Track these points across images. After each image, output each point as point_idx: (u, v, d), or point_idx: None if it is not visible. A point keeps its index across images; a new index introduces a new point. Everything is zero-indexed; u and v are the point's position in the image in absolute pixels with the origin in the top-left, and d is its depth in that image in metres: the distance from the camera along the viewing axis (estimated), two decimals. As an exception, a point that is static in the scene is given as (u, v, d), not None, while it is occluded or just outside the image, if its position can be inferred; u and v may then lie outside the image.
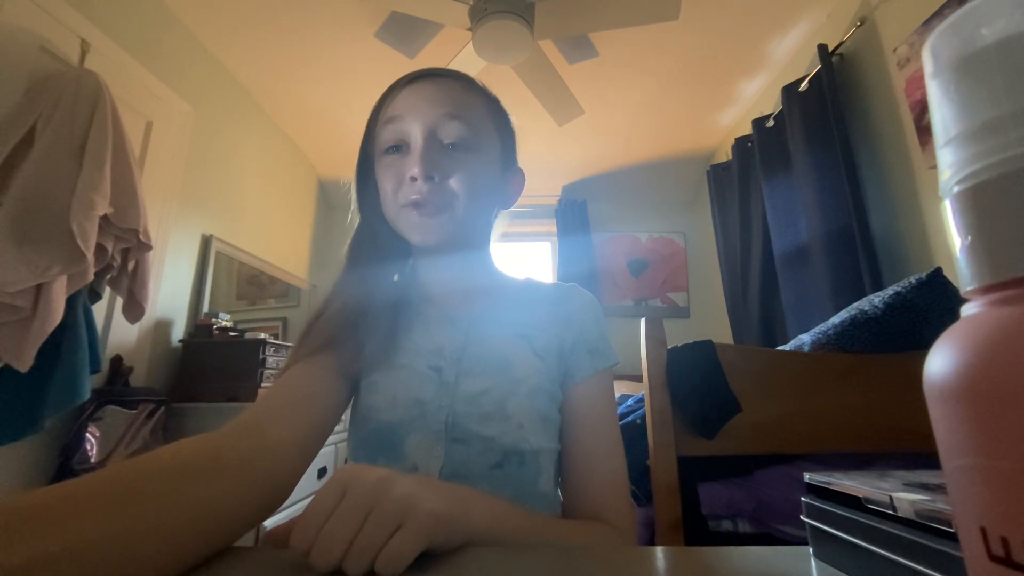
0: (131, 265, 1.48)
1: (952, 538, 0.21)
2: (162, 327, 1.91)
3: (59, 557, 0.24)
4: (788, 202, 1.97)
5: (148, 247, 1.48)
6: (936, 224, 1.46)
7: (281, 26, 2.07)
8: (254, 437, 0.41)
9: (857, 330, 0.88)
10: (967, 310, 0.14)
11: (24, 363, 1.17)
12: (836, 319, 0.92)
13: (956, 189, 0.14)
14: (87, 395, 1.32)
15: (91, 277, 1.31)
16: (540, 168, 3.21)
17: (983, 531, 0.12)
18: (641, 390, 0.95)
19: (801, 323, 1.81)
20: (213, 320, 2.00)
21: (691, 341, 0.89)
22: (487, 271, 0.64)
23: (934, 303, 0.81)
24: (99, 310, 1.56)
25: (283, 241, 2.89)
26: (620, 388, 1.73)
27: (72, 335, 1.30)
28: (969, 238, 0.14)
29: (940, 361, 0.13)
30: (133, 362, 1.70)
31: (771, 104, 2.19)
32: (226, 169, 2.33)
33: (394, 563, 0.28)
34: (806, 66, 1.99)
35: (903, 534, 0.24)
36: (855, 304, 0.91)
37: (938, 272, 0.80)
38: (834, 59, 1.79)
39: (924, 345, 0.73)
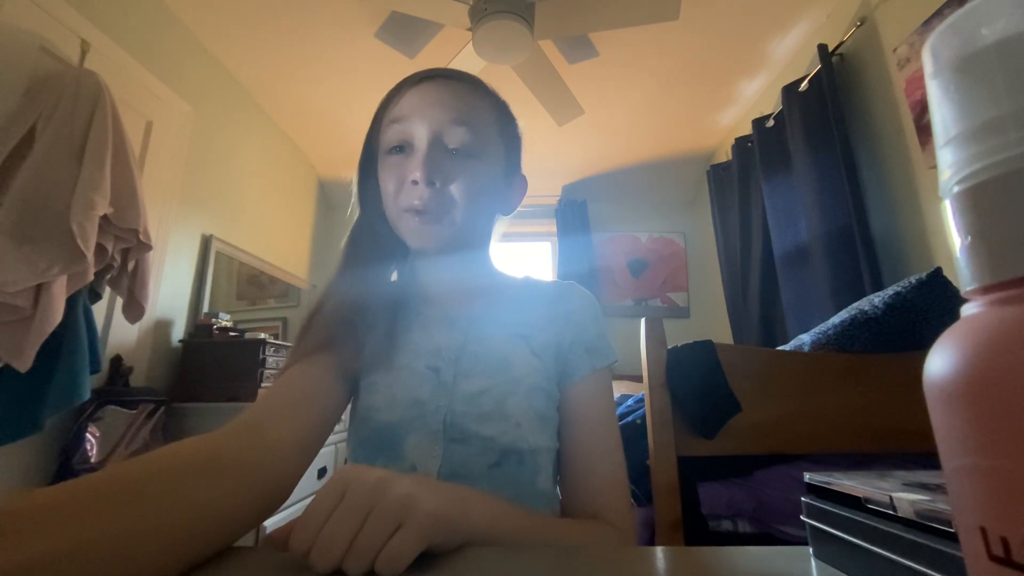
0: (131, 265, 1.48)
1: (952, 538, 0.21)
2: (162, 327, 1.91)
3: (59, 557, 0.24)
4: (788, 202, 1.97)
5: (148, 247, 1.48)
6: (936, 224, 1.46)
7: (281, 26, 2.07)
8: (254, 437, 0.41)
9: (857, 330, 0.88)
10: (967, 310, 0.14)
11: (24, 363, 1.17)
12: (836, 319, 0.92)
13: (956, 189, 0.14)
14: (87, 395, 1.32)
15: (91, 277, 1.31)
16: (540, 168, 3.21)
17: (983, 531, 0.12)
18: (641, 390, 0.95)
19: (801, 323, 1.81)
20: (213, 320, 2.00)
21: (691, 341, 0.89)
22: (486, 271, 0.64)
23: (934, 303, 0.81)
24: (99, 310, 1.56)
25: (283, 241, 2.89)
26: (620, 388, 1.74)
27: (72, 335, 1.30)
28: (969, 238, 0.14)
29: (940, 361, 0.13)
30: (133, 362, 1.70)
31: (771, 104, 2.19)
32: (226, 169, 2.33)
33: (394, 563, 0.28)
34: (806, 66, 1.99)
35: (903, 534, 0.24)
36: (855, 304, 0.91)
37: (938, 272, 0.80)
38: (834, 59, 1.79)
39: (924, 345, 0.73)
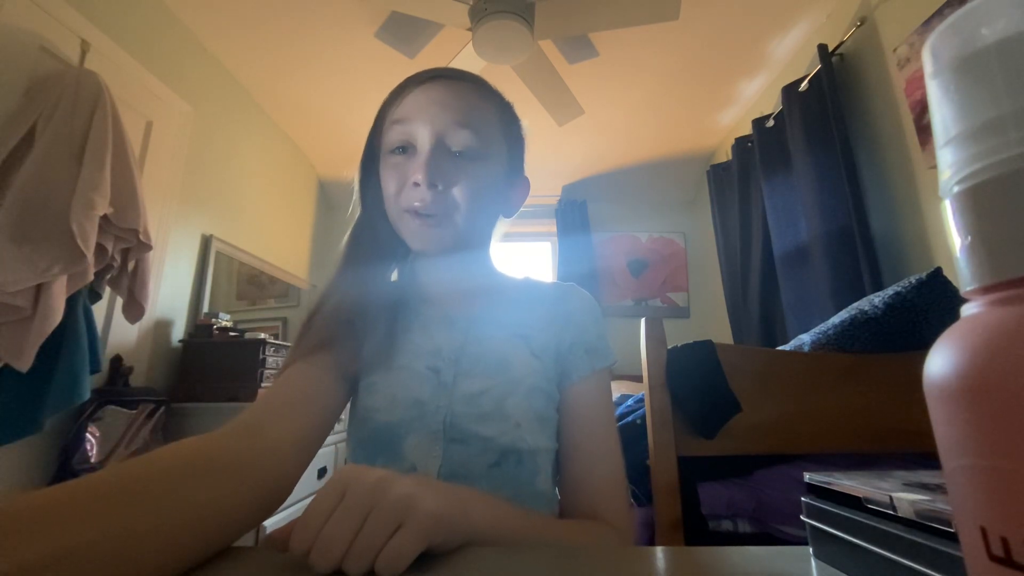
0: (131, 265, 1.48)
1: (952, 538, 0.21)
2: (162, 327, 1.91)
3: (59, 558, 0.24)
4: (788, 202, 1.97)
5: (148, 247, 1.48)
6: (936, 224, 1.46)
7: (281, 26, 2.07)
8: (253, 437, 0.41)
9: (857, 330, 0.88)
10: (967, 310, 0.14)
11: (24, 363, 1.17)
12: (836, 319, 0.92)
13: (956, 189, 0.14)
14: (87, 395, 1.32)
15: (91, 277, 1.31)
16: (540, 168, 3.21)
17: (983, 531, 0.12)
18: (641, 390, 0.95)
19: (801, 323, 1.81)
20: (213, 320, 2.00)
21: (691, 341, 0.89)
22: (486, 272, 0.64)
23: (934, 303, 0.81)
24: (99, 310, 1.56)
25: (283, 241, 2.89)
26: (620, 388, 1.74)
27: (72, 335, 1.30)
28: (969, 238, 0.13)
29: (940, 361, 0.13)
30: (133, 362, 1.70)
31: (771, 104, 2.19)
32: (226, 169, 2.33)
33: (394, 563, 0.28)
34: (806, 66, 1.99)
35: (903, 534, 0.24)
36: (855, 304, 0.91)
37: (938, 272, 0.80)
38: (834, 59, 1.79)
39: (924, 345, 0.73)
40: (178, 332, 1.99)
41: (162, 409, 1.67)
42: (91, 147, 1.33)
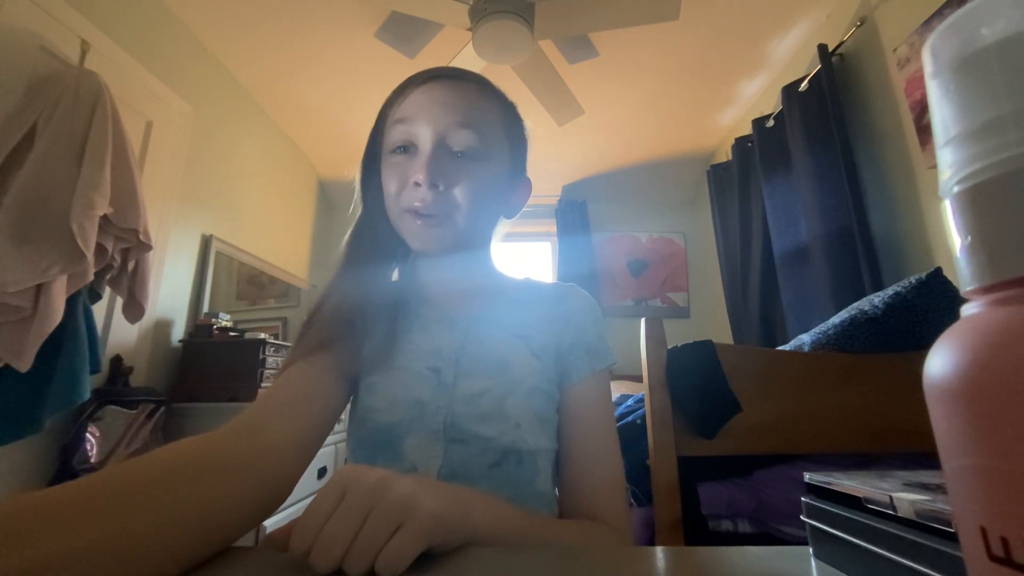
0: (131, 265, 1.48)
1: (952, 538, 0.21)
2: (162, 327, 1.91)
3: (59, 560, 0.24)
4: (788, 202, 1.97)
5: (148, 247, 1.48)
6: (936, 224, 1.46)
7: (281, 26, 2.07)
8: (253, 437, 0.40)
9: (857, 330, 0.88)
10: (967, 310, 0.14)
11: (24, 363, 1.17)
12: (836, 319, 0.92)
13: (956, 189, 0.14)
14: (87, 395, 1.32)
15: (91, 277, 1.31)
16: (540, 168, 3.21)
17: (983, 531, 0.12)
18: (641, 390, 0.95)
19: (801, 323, 1.81)
20: (213, 320, 2.00)
21: (691, 341, 0.89)
22: (487, 272, 0.64)
23: (934, 303, 0.81)
24: (99, 310, 1.56)
25: (283, 241, 2.89)
26: (620, 388, 1.74)
27: (72, 335, 1.30)
28: (969, 238, 0.13)
29: (940, 361, 0.13)
30: (133, 362, 1.70)
31: (771, 104, 2.19)
32: (226, 169, 2.33)
33: (394, 563, 0.28)
34: (806, 66, 1.99)
35: (903, 534, 0.24)
36: (855, 304, 0.91)
37: (938, 272, 0.80)
38: (834, 59, 1.79)
39: (924, 345, 0.73)
40: (178, 332, 1.99)
41: (162, 409, 1.67)
42: (91, 147, 1.33)
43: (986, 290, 0.13)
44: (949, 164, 0.14)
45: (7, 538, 0.23)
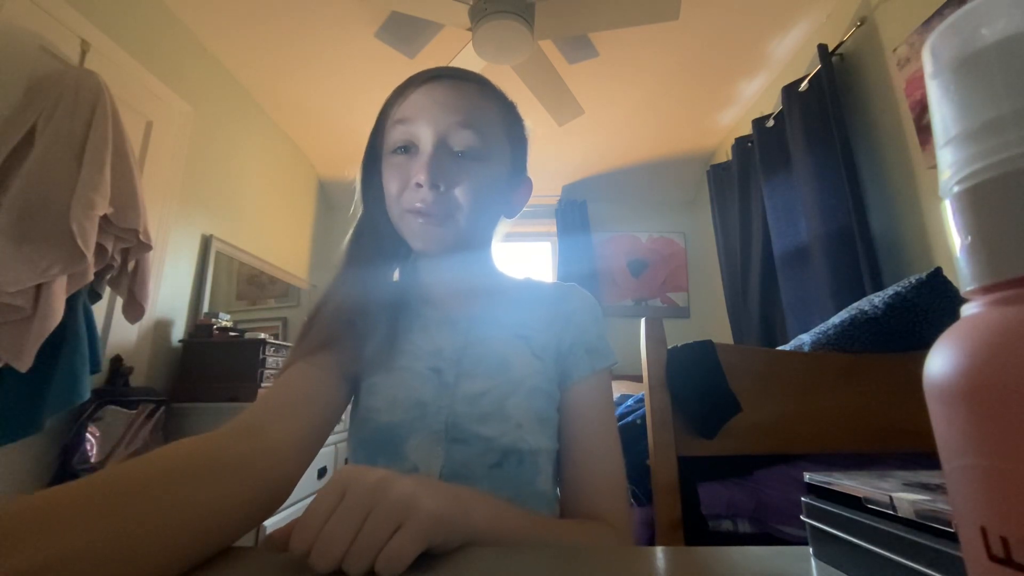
0: (131, 265, 1.48)
1: (952, 538, 0.22)
2: (162, 327, 1.91)
3: (60, 561, 0.24)
4: (788, 202, 1.97)
5: (148, 247, 1.48)
6: (936, 224, 1.46)
7: (281, 26, 2.07)
8: (254, 437, 0.40)
9: (857, 330, 0.88)
10: (967, 310, 0.14)
11: (24, 363, 1.17)
12: (836, 319, 0.92)
13: (956, 189, 0.14)
14: (87, 395, 1.32)
15: (91, 277, 1.31)
16: (540, 168, 3.21)
17: (983, 531, 0.12)
18: (641, 390, 0.95)
19: (801, 323, 1.81)
20: (213, 320, 2.00)
21: (691, 341, 0.89)
22: (487, 272, 0.64)
23: (934, 303, 0.81)
24: (99, 310, 1.56)
25: (283, 241, 2.89)
26: (620, 388, 1.74)
27: (72, 335, 1.30)
28: (969, 238, 0.14)
29: (940, 361, 0.13)
30: (133, 362, 1.70)
31: (771, 104, 2.19)
32: (226, 169, 2.33)
33: (394, 563, 0.28)
34: (806, 66, 1.99)
35: (903, 534, 0.24)
36: (855, 304, 0.91)
37: (938, 272, 0.80)
38: (834, 59, 1.79)
39: (924, 345, 0.73)
40: (178, 332, 1.99)
41: (162, 409, 1.67)
42: (91, 147, 1.33)
43: (986, 290, 0.13)
44: (949, 164, 0.14)
45: (6, 539, 0.24)
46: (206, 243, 2.16)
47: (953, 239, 0.14)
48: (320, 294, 0.58)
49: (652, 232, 3.57)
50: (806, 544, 0.31)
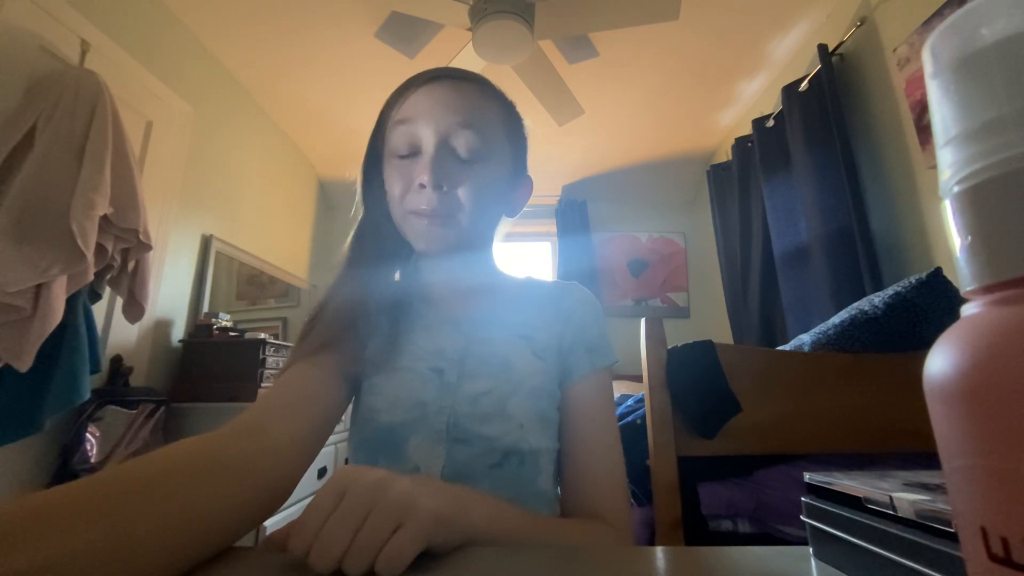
0: (131, 265, 1.48)
1: (952, 538, 0.21)
2: (162, 327, 1.91)
3: (59, 561, 0.24)
4: (788, 202, 1.97)
5: (148, 247, 1.48)
6: (936, 224, 1.46)
7: (281, 26, 2.07)
8: (254, 437, 0.40)
9: (857, 330, 0.88)
10: (967, 310, 0.14)
11: (24, 363, 1.17)
12: (836, 319, 0.92)
13: (956, 189, 0.14)
14: (87, 395, 1.32)
15: (91, 277, 1.31)
16: (540, 168, 3.21)
17: (983, 531, 0.12)
18: (641, 390, 0.95)
19: (801, 323, 1.81)
20: (213, 320, 2.00)
21: (691, 341, 0.89)
22: (489, 272, 0.64)
23: (934, 303, 0.81)
24: (99, 310, 1.56)
25: (283, 241, 2.89)
26: (620, 388, 1.74)
27: (72, 335, 1.30)
28: (969, 238, 0.14)
29: (940, 361, 0.13)
30: (133, 362, 1.70)
31: (771, 104, 2.19)
32: (226, 169, 2.33)
33: (394, 563, 0.28)
34: (806, 66, 1.99)
35: (903, 534, 0.24)
36: (855, 304, 0.91)
37: (938, 272, 0.80)
38: (834, 59, 1.79)
39: (924, 345, 0.73)
40: (178, 332, 1.99)
41: (162, 409, 1.67)
42: (91, 147, 1.33)
43: (986, 290, 0.13)
44: (949, 164, 0.14)
45: (6, 539, 0.23)
46: (206, 243, 2.16)
47: (953, 239, 0.14)
48: (321, 295, 0.58)
49: (652, 232, 3.57)
50: (806, 544, 0.31)
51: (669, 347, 0.89)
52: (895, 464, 0.88)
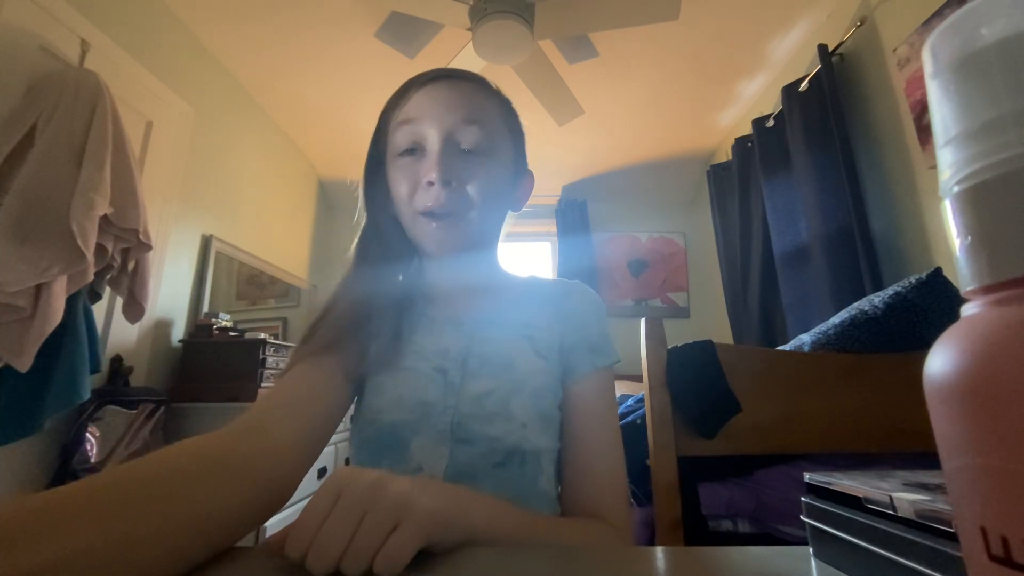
0: (131, 265, 1.48)
1: (952, 538, 0.21)
2: (162, 327, 1.91)
3: (59, 563, 0.24)
4: (788, 202, 1.97)
5: (148, 247, 1.48)
6: (936, 224, 1.46)
7: (281, 26, 2.07)
8: (256, 438, 0.40)
9: (857, 330, 0.88)
10: (967, 310, 0.14)
11: (24, 363, 1.17)
12: (836, 319, 0.92)
13: (956, 189, 0.14)
14: (87, 395, 1.32)
15: (91, 277, 1.31)
16: (540, 168, 3.18)
17: (983, 531, 0.12)
18: (641, 390, 0.95)
19: (801, 323, 1.81)
20: (213, 320, 2.00)
21: (691, 341, 0.89)
22: (493, 271, 0.64)
23: (934, 303, 0.81)
24: (99, 310, 1.56)
25: (283, 241, 2.89)
26: (620, 388, 1.73)
27: (72, 335, 1.30)
28: (969, 238, 0.13)
29: (940, 361, 0.13)
30: (133, 362, 1.70)
31: (771, 104, 2.19)
32: (226, 169, 2.33)
33: (392, 562, 0.28)
34: (806, 66, 1.99)
35: (903, 534, 0.24)
36: (855, 304, 0.90)
37: (938, 272, 0.80)
38: (834, 59, 1.79)
39: (924, 345, 0.73)
40: (178, 332, 1.99)
41: (162, 409, 1.67)
42: (91, 147, 1.33)
43: (986, 290, 0.13)
44: (949, 164, 0.14)
45: (6, 539, 0.23)
46: (206, 243, 2.16)
47: (953, 239, 0.14)
48: (326, 298, 0.58)
49: (652, 232, 3.57)
50: (806, 544, 0.31)
51: (669, 347, 0.89)
52: (895, 464, 0.88)
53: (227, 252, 2.30)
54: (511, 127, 0.61)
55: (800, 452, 0.86)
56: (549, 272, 3.64)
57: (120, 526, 0.27)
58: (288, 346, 2.07)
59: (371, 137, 0.60)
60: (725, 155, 2.72)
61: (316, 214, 3.35)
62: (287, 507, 0.40)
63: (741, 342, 2.40)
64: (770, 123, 2.12)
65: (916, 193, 1.53)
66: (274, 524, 1.47)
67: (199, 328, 1.98)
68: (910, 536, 0.23)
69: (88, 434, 1.43)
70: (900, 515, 0.24)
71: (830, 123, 1.71)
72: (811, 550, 0.31)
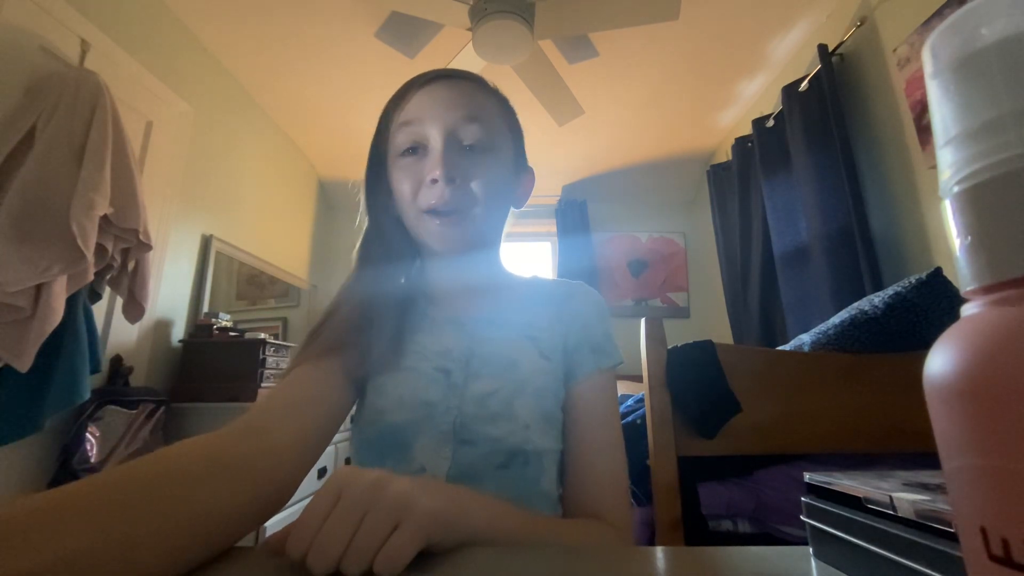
0: (131, 265, 1.48)
1: (952, 538, 0.21)
2: (162, 327, 1.91)
3: (59, 564, 0.24)
4: (788, 202, 1.97)
5: (148, 247, 1.48)
6: (936, 224, 1.46)
7: (281, 26, 2.07)
8: (256, 438, 0.40)
9: (857, 330, 0.88)
10: (967, 310, 0.14)
11: (24, 363, 1.17)
12: (836, 319, 0.92)
13: (956, 189, 0.14)
14: (87, 395, 1.32)
15: (91, 277, 1.31)
16: (540, 168, 3.19)
17: (983, 531, 0.12)
18: (641, 390, 0.95)
19: (801, 323, 1.81)
20: (213, 320, 2.00)
21: (691, 341, 0.89)
22: (495, 271, 0.64)
23: (934, 303, 0.81)
24: (99, 310, 1.56)
25: (283, 241, 2.89)
26: (620, 388, 1.73)
27: (72, 335, 1.30)
28: (969, 238, 0.14)
29: (940, 361, 0.13)
30: (133, 362, 1.70)
31: (771, 104, 2.19)
32: (226, 169, 2.33)
33: (393, 562, 0.28)
34: (806, 66, 1.99)
35: (903, 534, 0.24)
36: (855, 304, 0.91)
37: (938, 272, 0.80)
38: (834, 59, 1.79)
39: (924, 345, 0.73)
40: (178, 332, 1.99)
41: (162, 409, 1.67)
42: (91, 147, 1.33)
43: (986, 290, 0.13)
44: (949, 164, 0.14)
45: (7, 540, 0.23)
46: (206, 243, 2.16)
47: (953, 239, 0.14)
48: (328, 302, 0.58)
49: (652, 232, 3.57)
50: (806, 544, 0.31)
51: (669, 347, 0.89)
52: (895, 464, 0.88)
53: (227, 252, 2.29)
54: (510, 125, 0.61)
55: (800, 452, 0.86)
56: (549, 272, 3.64)
57: (120, 526, 0.27)
58: (288, 346, 2.07)
59: (371, 138, 0.60)
60: (725, 155, 2.72)
61: (316, 214, 3.35)
62: (287, 507, 0.40)
63: (741, 342, 2.40)
64: (770, 123, 2.12)
65: (916, 193, 1.53)
66: (274, 524, 1.47)
67: (199, 328, 1.98)
68: (910, 536, 0.23)
69: (88, 434, 1.43)
70: (900, 515, 0.24)
71: (830, 123, 1.71)
72: (811, 550, 0.31)
